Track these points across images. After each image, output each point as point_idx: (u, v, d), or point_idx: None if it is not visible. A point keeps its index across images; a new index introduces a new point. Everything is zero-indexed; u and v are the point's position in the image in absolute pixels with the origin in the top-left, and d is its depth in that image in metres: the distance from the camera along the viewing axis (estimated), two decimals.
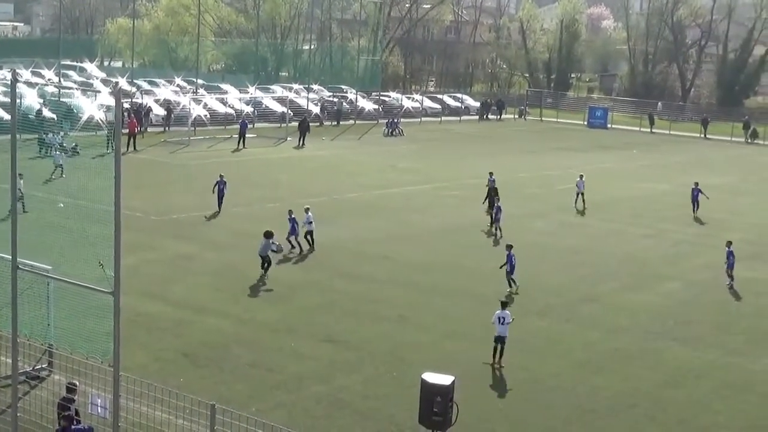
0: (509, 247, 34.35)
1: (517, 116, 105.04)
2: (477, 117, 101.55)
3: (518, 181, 57.88)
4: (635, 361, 27.97)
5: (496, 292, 31.68)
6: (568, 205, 50.60)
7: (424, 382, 19.33)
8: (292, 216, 38.29)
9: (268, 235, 34.22)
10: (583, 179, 50.43)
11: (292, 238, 37.88)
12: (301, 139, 70.65)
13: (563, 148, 79.01)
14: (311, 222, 38.42)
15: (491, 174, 49.59)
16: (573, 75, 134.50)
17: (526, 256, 39.02)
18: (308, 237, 38.52)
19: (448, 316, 30.84)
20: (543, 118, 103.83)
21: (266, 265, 34.07)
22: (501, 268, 34.11)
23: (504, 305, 26.93)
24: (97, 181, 45.88)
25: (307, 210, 38.86)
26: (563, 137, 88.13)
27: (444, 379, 19.38)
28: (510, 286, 33.91)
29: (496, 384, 25.53)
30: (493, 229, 43.18)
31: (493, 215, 43.39)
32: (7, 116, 62.52)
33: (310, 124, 74.16)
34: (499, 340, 26.39)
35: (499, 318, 26.47)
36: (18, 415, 19.27)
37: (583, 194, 50.17)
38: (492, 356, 26.48)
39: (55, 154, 50.28)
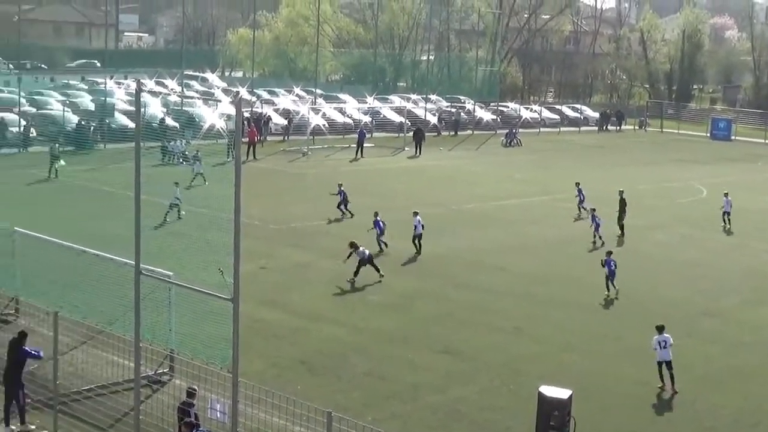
0: (609, 253, 34.89)
1: (637, 127, 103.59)
2: (596, 128, 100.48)
3: (638, 193, 56.97)
4: (757, 378, 27.29)
5: (611, 304, 31.26)
6: (690, 218, 49.71)
7: (541, 395, 19.16)
8: (378, 218, 39.46)
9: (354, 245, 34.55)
10: (729, 198, 48.26)
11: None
12: (417, 149, 70.84)
13: (684, 159, 77.66)
14: (417, 226, 39.17)
15: (578, 185, 49.43)
16: (695, 86, 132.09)
17: (645, 268, 38.62)
18: (416, 241, 39.19)
19: (565, 328, 30.52)
20: (664, 130, 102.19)
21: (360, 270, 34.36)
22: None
23: (661, 329, 25.76)
24: (218, 190, 46.74)
25: (415, 214, 39.53)
26: (684, 149, 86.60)
27: (562, 393, 19.19)
28: (607, 290, 34.16)
29: (613, 398, 25.14)
30: (595, 239, 42.92)
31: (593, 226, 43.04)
32: (131, 124, 64.01)
33: (427, 133, 74.25)
34: (666, 365, 25.50)
35: (659, 342, 25.52)
36: (140, 417, 19.64)
37: (728, 213, 48.04)
38: (660, 380, 25.62)
39: (196, 163, 51.07)
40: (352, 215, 44.89)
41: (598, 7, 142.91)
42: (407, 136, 74.13)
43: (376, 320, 30.50)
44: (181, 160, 58.55)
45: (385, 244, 39.43)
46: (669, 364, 25.42)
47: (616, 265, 34.41)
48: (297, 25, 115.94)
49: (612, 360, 27.89)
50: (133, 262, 19.07)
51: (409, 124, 77.64)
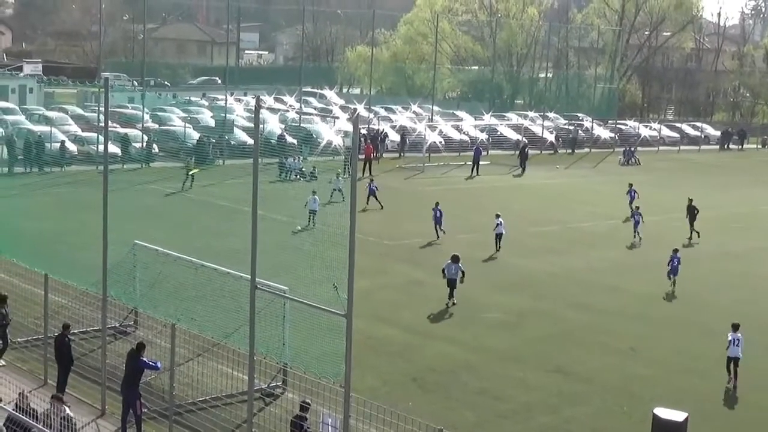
0: (675, 251, 38.03)
1: (760, 146, 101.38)
2: (717, 146, 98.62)
3: (761, 214, 55.84)
4: None
5: (728, 328, 30.58)
6: None
7: (656, 418, 18.89)
8: (438, 207, 44.18)
9: (456, 259, 34.14)
10: None
11: (438, 228, 43.98)
12: (522, 166, 70.47)
13: None
14: (498, 226, 42.16)
15: (630, 185, 52.92)
16: None
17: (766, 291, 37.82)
18: (497, 240, 42.30)
19: (680, 350, 30.00)
20: None
21: (452, 289, 33.89)
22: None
23: (736, 328, 27.23)
24: (333, 206, 47.32)
25: (497, 216, 42.50)
26: None
27: (677, 416, 18.89)
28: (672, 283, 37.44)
29: (730, 422, 24.64)
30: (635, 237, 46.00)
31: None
32: (250, 141, 64.97)
33: (543, 151, 73.72)
34: (734, 361, 27.06)
35: (733, 340, 27.06)
36: (253, 430, 19.90)
37: None
38: (728, 373, 27.11)
39: (334, 179, 51.03)
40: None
41: (722, 23, 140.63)
42: (528, 153, 73.76)
43: (489, 338, 30.40)
44: (298, 176, 59.20)
45: (443, 231, 43.92)
46: (737, 361, 26.94)
47: (679, 262, 37.24)
48: (415, 43, 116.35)
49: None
50: (249, 277, 19.33)
51: (527, 141, 77.23)
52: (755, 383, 27.16)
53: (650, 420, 19.04)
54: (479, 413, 24.22)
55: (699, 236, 47.07)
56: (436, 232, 44.28)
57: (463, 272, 33.79)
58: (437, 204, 44.69)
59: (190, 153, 60.82)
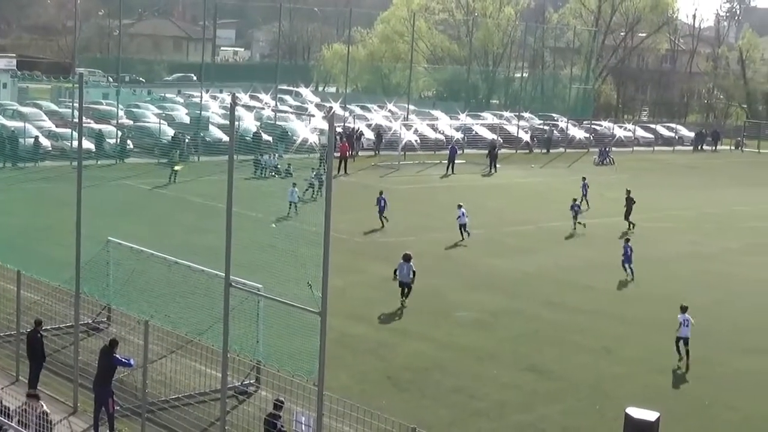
0: (627, 240, 40.01)
1: (733, 148, 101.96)
2: (691, 147, 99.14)
3: (734, 215, 56.14)
4: None
5: (704, 327, 30.76)
6: None
7: (628, 417, 18.89)
8: (383, 196, 46.05)
9: (407, 258, 33.56)
10: None
11: (382, 217, 45.80)
12: (492, 166, 70.57)
13: None
14: (461, 216, 43.87)
15: (584, 179, 53.38)
16: None
17: (739, 292, 38.03)
18: (461, 229, 43.85)
19: (654, 350, 30.09)
20: (761, 151, 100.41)
21: (407, 291, 33.41)
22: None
23: (685, 309, 29.00)
24: (307, 203, 47.23)
25: (459, 206, 44.30)
26: None
27: (649, 415, 18.90)
28: (626, 273, 38.93)
29: (702, 422, 24.75)
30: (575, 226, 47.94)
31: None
32: (225, 138, 64.89)
33: (519, 151, 73.86)
34: (684, 341, 28.87)
35: (683, 321, 28.85)
36: (226, 428, 19.84)
37: None
38: (678, 353, 28.87)
39: (291, 190, 48.66)
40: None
41: (697, 25, 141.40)
42: (499, 153, 73.90)
43: (463, 337, 30.42)
44: (273, 174, 59.11)
45: (386, 219, 45.80)
46: (687, 341, 28.76)
47: (632, 251, 38.78)
48: (392, 42, 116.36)
49: (705, 384, 27.42)
50: (224, 274, 19.27)
51: (501, 141, 77.35)
52: (726, 384, 27.30)
53: (623, 419, 19.05)
54: (453, 411, 24.24)
55: (633, 228, 48.74)
56: (381, 221, 45.96)
57: (414, 272, 33.31)
58: (381, 192, 46.49)
59: (175, 147, 60.86)
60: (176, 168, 55.90)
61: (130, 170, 59.00)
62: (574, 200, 48.68)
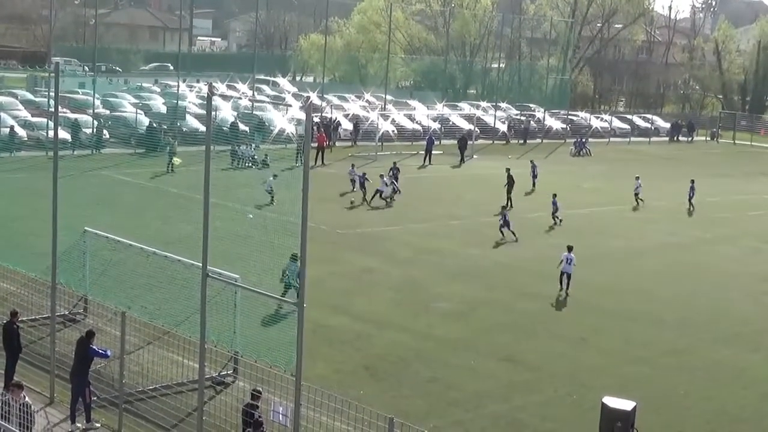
0: (554, 195, 47.25)
1: (708, 138, 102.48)
2: (667, 138, 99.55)
3: (708, 205, 56.41)
4: None
5: (679, 318, 30.94)
6: (761, 231, 49.04)
7: (604, 407, 19.01)
8: (354, 169, 51.61)
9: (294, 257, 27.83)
10: None
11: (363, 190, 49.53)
12: (461, 156, 70.61)
13: (757, 172, 76.59)
14: (385, 186, 49.02)
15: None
16: None
17: (713, 282, 38.28)
18: (377, 195, 49.01)
19: (630, 341, 30.25)
20: (736, 141, 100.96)
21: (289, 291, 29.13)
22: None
23: (570, 249, 34.44)
24: (285, 194, 47.29)
25: (381, 176, 49.68)
26: (758, 161, 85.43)
27: (625, 404, 19.02)
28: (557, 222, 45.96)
29: (678, 411, 24.88)
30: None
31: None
32: (202, 128, 64.57)
33: (495, 141, 73.96)
34: (567, 276, 34.34)
35: (566, 258, 34.21)
36: (203, 418, 19.83)
37: None
38: (560, 285, 34.41)
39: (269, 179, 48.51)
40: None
41: (673, 17, 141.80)
42: (477, 144, 74.00)
43: (441, 327, 30.48)
44: (250, 164, 58.98)
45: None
46: (569, 276, 34.27)
47: (558, 208, 46.14)
48: (369, 32, 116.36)
49: (680, 374, 27.57)
50: (201, 264, 19.23)
51: (479, 132, 77.38)
52: (702, 374, 27.47)
53: (599, 408, 19.17)
54: (430, 401, 24.29)
55: (512, 206, 50.28)
56: (363, 196, 50.06)
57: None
58: (353, 165, 52.03)
59: (174, 135, 61.09)
60: (176, 160, 56.06)
61: (106, 160, 58.76)
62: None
